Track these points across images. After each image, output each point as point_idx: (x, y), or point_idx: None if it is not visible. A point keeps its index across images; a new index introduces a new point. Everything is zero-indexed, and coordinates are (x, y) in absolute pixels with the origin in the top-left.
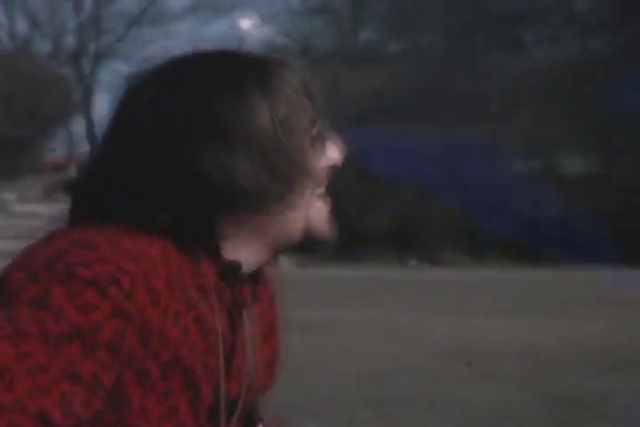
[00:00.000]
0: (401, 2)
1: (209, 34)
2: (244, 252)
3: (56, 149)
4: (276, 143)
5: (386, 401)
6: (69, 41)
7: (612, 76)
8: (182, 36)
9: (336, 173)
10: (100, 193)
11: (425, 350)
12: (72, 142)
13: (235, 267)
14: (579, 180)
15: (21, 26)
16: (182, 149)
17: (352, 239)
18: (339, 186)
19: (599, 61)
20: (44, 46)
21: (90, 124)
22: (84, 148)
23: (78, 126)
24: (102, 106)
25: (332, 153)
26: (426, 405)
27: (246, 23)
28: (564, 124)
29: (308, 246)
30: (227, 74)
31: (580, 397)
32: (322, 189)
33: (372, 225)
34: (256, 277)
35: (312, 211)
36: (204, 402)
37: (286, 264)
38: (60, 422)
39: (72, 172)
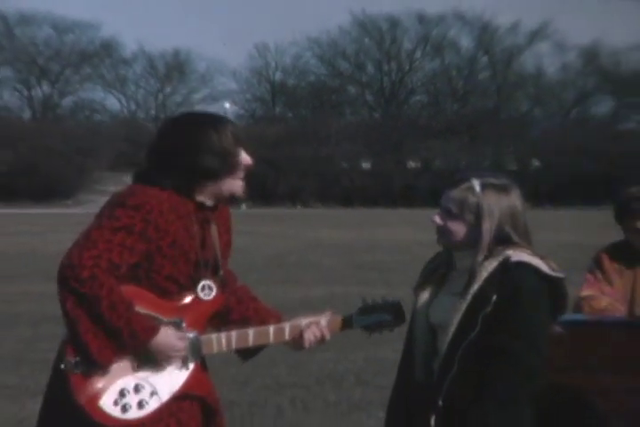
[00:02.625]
0: (293, 97)
1: (210, 109)
2: (207, 199)
3: None
4: (217, 156)
5: (251, 267)
6: (152, 114)
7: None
8: None
9: (251, 168)
10: (149, 173)
11: (293, 243)
12: None
13: (202, 204)
14: (365, 173)
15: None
16: (187, 157)
17: (270, 195)
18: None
19: (378, 123)
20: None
21: None
22: None
23: None
24: None
25: (246, 159)
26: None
27: (227, 105)
28: (364, 147)
29: (232, 200)
30: (198, 124)
31: (374, 264)
32: (242, 175)
33: (281, 189)
34: (214, 208)
35: (235, 185)
36: (191, 261)
37: (244, 206)
38: (119, 262)
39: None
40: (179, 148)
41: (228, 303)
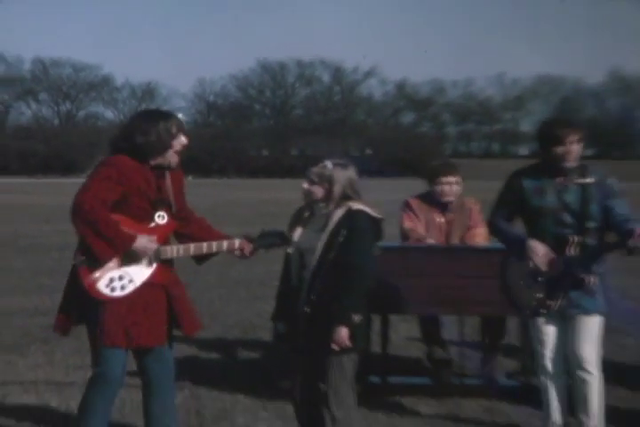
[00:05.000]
0: (221, 111)
1: None
2: (157, 163)
3: None
4: (157, 135)
5: None
6: None
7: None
8: None
9: (187, 146)
10: (117, 146)
11: (220, 201)
12: None
13: (155, 166)
14: (265, 157)
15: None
16: (133, 134)
17: (207, 171)
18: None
19: (273, 127)
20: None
21: None
22: None
23: None
24: None
25: (183, 140)
26: None
27: (180, 115)
28: (264, 142)
29: (171, 166)
30: (150, 115)
31: (272, 213)
32: (179, 149)
33: (214, 167)
34: (164, 171)
35: (173, 157)
36: (150, 198)
37: (190, 177)
38: (105, 198)
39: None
40: (135, 130)
41: (192, 229)
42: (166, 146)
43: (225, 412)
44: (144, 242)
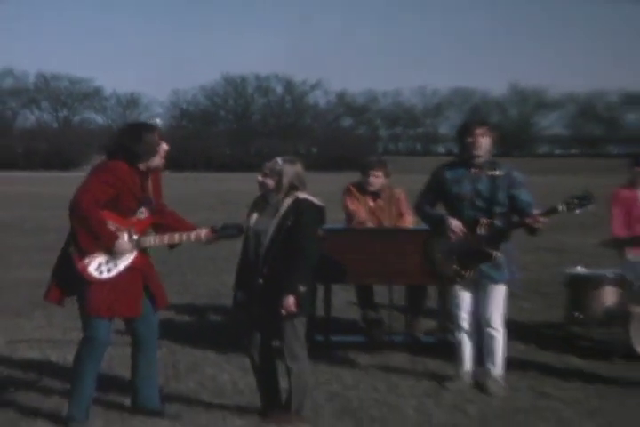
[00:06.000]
0: (192, 116)
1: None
2: (143, 167)
3: None
4: (148, 145)
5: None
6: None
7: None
8: None
9: (169, 152)
10: (112, 152)
11: (191, 192)
12: None
13: (141, 170)
14: (228, 155)
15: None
16: (128, 144)
17: (180, 166)
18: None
19: (235, 130)
20: (115, 126)
21: None
22: None
23: None
24: None
25: (165, 147)
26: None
27: (158, 120)
28: (226, 141)
29: (158, 168)
30: (139, 128)
31: (233, 201)
32: (163, 155)
33: (186, 163)
34: (148, 172)
35: (157, 159)
36: (137, 197)
37: (167, 172)
38: (100, 199)
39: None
40: (129, 141)
41: (168, 221)
42: (155, 152)
43: (196, 365)
44: (123, 243)
